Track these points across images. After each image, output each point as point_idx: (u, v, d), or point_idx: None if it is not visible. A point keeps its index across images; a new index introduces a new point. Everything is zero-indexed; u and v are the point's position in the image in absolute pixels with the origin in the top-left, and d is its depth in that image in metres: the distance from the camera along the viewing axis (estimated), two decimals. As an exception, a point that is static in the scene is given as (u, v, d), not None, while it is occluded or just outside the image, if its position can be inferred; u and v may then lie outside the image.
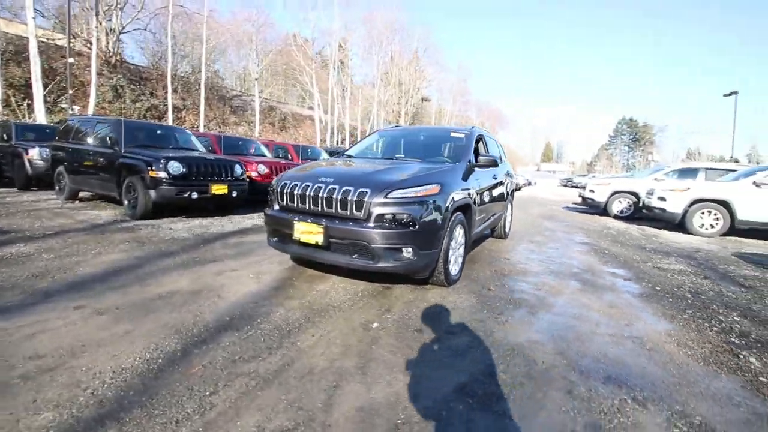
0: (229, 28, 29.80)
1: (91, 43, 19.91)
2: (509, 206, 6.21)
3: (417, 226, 3.00)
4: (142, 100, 23.32)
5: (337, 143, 34.09)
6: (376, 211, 2.99)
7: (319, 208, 3.18)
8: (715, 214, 7.87)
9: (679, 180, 9.80)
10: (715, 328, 3.00)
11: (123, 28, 24.34)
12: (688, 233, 8.00)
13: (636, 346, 2.64)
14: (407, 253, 3.02)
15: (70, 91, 16.68)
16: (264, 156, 9.52)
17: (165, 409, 1.75)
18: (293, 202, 3.33)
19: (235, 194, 6.63)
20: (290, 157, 11.09)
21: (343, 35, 35.20)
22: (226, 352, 2.26)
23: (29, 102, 16.90)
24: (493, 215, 5.01)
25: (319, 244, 3.10)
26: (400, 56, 41.37)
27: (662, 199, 8.47)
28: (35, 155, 8.30)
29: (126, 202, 6.08)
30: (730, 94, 26.81)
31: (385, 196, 3.00)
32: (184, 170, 5.93)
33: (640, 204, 10.02)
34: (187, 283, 3.34)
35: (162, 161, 5.76)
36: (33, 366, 2.03)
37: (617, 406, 1.94)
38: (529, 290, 3.72)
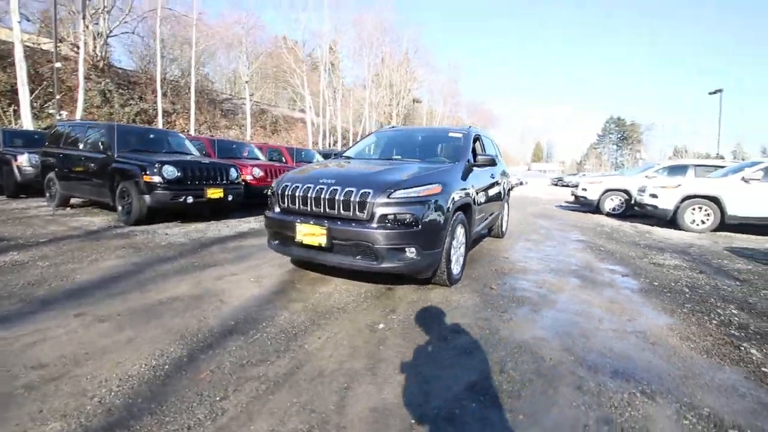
0: (219, 30, 29.57)
1: (78, 47, 19.65)
2: (506, 205, 6.25)
3: (420, 226, 3.00)
4: (131, 104, 23.04)
5: (330, 145, 34.01)
6: (379, 211, 2.98)
7: (321, 210, 3.17)
8: (705, 210, 8.00)
9: (669, 177, 9.94)
10: (714, 321, 3.05)
11: (110, 31, 24.05)
12: (680, 229, 8.12)
13: (640, 340, 2.67)
14: (410, 253, 3.02)
15: (58, 96, 16.48)
16: (258, 159, 9.47)
17: (176, 415, 1.72)
18: (294, 204, 3.31)
19: (230, 198, 6.57)
20: (284, 160, 11.04)
21: (334, 37, 35.18)
22: (233, 356, 2.24)
23: (15, 108, 16.60)
24: (491, 214, 5.04)
25: (322, 245, 3.09)
26: (391, 58, 41.47)
27: (654, 196, 8.59)
28: (24, 162, 8.15)
29: (120, 208, 6.00)
30: (715, 92, 27.35)
31: (388, 197, 3.00)
32: (179, 174, 5.86)
33: (632, 201, 10.15)
34: (188, 289, 3.30)
35: (156, 165, 5.69)
36: (36, 375, 1.99)
37: (627, 400, 1.96)
38: (531, 288, 3.74)
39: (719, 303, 3.48)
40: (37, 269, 3.66)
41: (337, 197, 3.09)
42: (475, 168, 4.17)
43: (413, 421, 1.74)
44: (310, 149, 15.17)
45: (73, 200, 7.59)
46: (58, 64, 16.61)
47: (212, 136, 22.46)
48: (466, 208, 3.77)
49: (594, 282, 4.04)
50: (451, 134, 4.77)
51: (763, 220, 7.62)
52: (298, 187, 3.30)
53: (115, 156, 6.10)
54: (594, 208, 11.18)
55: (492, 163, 4.29)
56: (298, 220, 3.22)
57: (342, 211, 3.08)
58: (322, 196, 3.14)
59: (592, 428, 1.74)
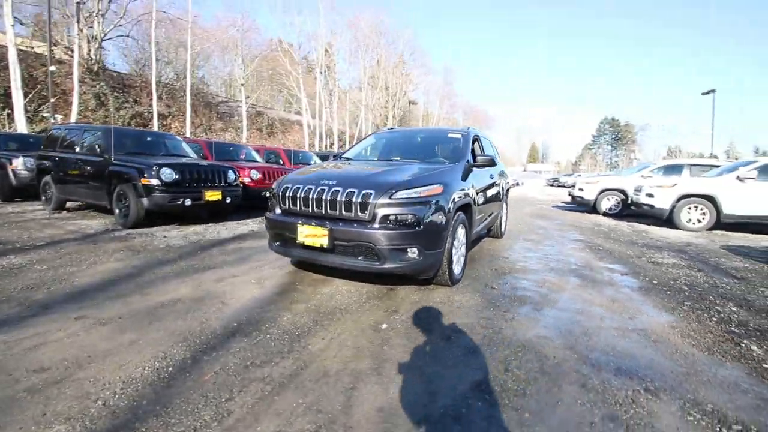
0: (214, 33, 29.52)
1: (72, 51, 19.56)
2: (504, 205, 6.26)
3: (422, 227, 3.00)
4: (126, 107, 22.93)
5: (326, 147, 34.00)
6: (381, 212, 2.99)
7: (323, 211, 3.16)
8: (701, 209, 8.06)
9: (665, 177, 10.02)
10: (714, 319, 3.07)
11: (105, 35, 23.90)
12: (676, 228, 8.18)
13: (641, 338, 2.69)
14: (413, 253, 3.02)
15: (52, 100, 16.34)
16: (256, 161, 9.45)
17: (181, 417, 1.71)
18: (296, 206, 3.31)
19: (229, 200, 6.55)
20: (282, 162, 11.02)
21: (329, 40, 35.16)
22: (237, 358, 2.23)
23: (9, 111, 16.47)
24: (490, 214, 5.05)
25: (324, 246, 3.09)
26: (387, 60, 41.56)
27: (650, 195, 8.65)
28: (20, 165, 8.09)
29: (117, 211, 5.96)
30: (708, 93, 27.62)
31: (390, 197, 3.00)
32: (177, 177, 5.84)
33: (629, 201, 10.21)
34: (189, 291, 3.28)
35: (154, 168, 5.67)
36: (38, 379, 1.97)
37: (631, 397, 1.97)
38: (531, 287, 3.75)
39: (718, 301, 3.50)
40: (36, 273, 3.63)
41: (338, 198, 3.08)
42: (474, 168, 4.18)
43: (420, 421, 1.74)
44: (307, 151, 15.14)
45: (69, 204, 7.54)
46: (52, 68, 16.47)
47: (208, 138, 22.40)
48: (466, 208, 3.78)
49: (594, 281, 4.06)
50: (450, 135, 4.78)
51: (758, 219, 7.69)
52: (299, 188, 3.30)
53: (112, 159, 6.06)
54: (591, 207, 11.24)
55: (491, 163, 4.31)
56: (300, 222, 3.21)
57: (344, 212, 3.08)
58: (324, 198, 3.14)
59: (598, 426, 1.74)
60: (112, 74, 25.47)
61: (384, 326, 2.72)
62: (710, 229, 8.03)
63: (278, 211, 3.48)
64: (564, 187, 34.69)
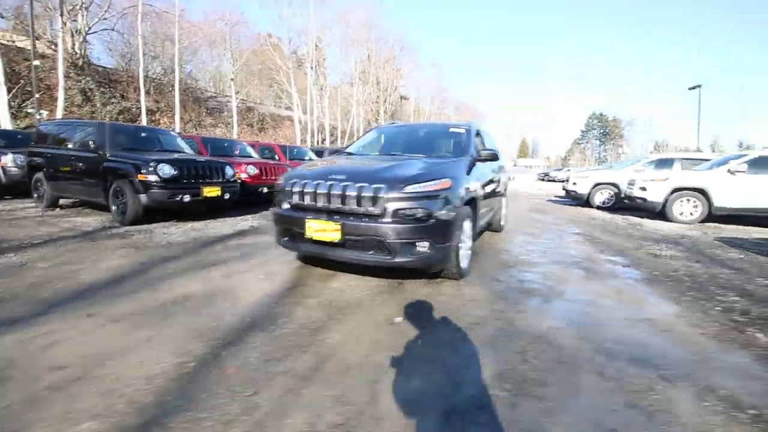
0: (202, 27, 29.01)
1: (55, 45, 19.08)
2: (504, 199, 6.32)
3: (433, 220, 3.02)
4: (112, 103, 22.50)
5: (318, 143, 33.78)
6: (393, 206, 2.99)
7: (333, 206, 3.15)
8: (693, 202, 8.22)
9: (657, 170, 10.18)
10: (718, 308, 3.15)
11: (89, 28, 23.36)
12: (669, 221, 8.33)
13: (651, 327, 2.75)
14: (423, 247, 3.04)
15: (37, 95, 15.94)
16: (251, 157, 9.36)
17: (210, 411, 1.71)
18: (304, 201, 3.29)
19: (227, 196, 6.49)
20: (277, 158, 10.93)
21: (319, 34, 34.80)
22: (257, 352, 2.22)
23: (-8, 107, 16.02)
24: (493, 208, 5.09)
25: (335, 241, 3.08)
26: (377, 54, 41.33)
27: (643, 189, 8.79)
28: (9, 162, 7.90)
29: (114, 208, 5.87)
30: (694, 88, 28.08)
31: (401, 191, 3.01)
32: (175, 173, 5.76)
33: (622, 195, 10.36)
34: (199, 287, 3.26)
35: (152, 164, 5.58)
36: (58, 377, 1.94)
37: (648, 385, 2.01)
38: (537, 280, 3.80)
39: (719, 291, 3.59)
40: (38, 271, 3.57)
41: (348, 193, 3.08)
42: (478, 163, 4.20)
43: (448, 411, 1.76)
44: (302, 147, 15.03)
45: (62, 201, 7.39)
46: (36, 62, 16.05)
47: (198, 134, 22.08)
48: (473, 201, 3.80)
49: (597, 273, 4.12)
50: (452, 129, 4.79)
51: (749, 212, 7.88)
52: (307, 183, 3.28)
53: (107, 155, 5.96)
54: (584, 201, 11.38)
55: (495, 157, 4.33)
56: (309, 217, 3.20)
57: (354, 207, 3.08)
58: (334, 192, 3.13)
59: (621, 413, 1.78)
60: (97, 69, 24.93)
61: (398, 319, 2.74)
62: (702, 222, 8.20)
63: (286, 206, 3.46)
64: (554, 181, 35.11)
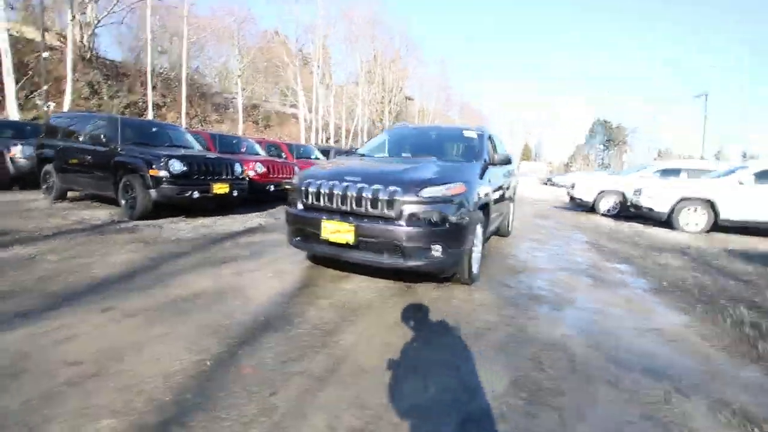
0: (210, 23, 29.07)
1: (64, 37, 19.13)
2: (512, 204, 6.32)
3: (447, 225, 3.03)
4: (119, 96, 22.57)
5: (322, 141, 33.79)
6: (408, 209, 3.00)
7: (348, 207, 3.16)
8: (700, 213, 8.21)
9: (662, 179, 10.17)
10: (728, 320, 3.14)
11: (98, 21, 23.44)
12: (674, 230, 8.31)
13: (662, 338, 2.74)
14: (437, 251, 3.04)
15: (45, 87, 16.02)
16: (258, 154, 9.37)
17: (229, 411, 1.72)
18: (319, 201, 3.30)
19: (236, 194, 6.50)
20: (284, 156, 10.95)
21: (325, 32, 34.74)
22: (272, 352, 2.23)
23: (0, 98, 16.08)
24: (503, 213, 5.09)
25: (349, 243, 3.09)
26: (383, 55, 41.27)
27: (650, 197, 8.77)
28: (18, 153, 7.92)
29: (123, 202, 5.88)
30: (699, 96, 28.06)
31: (417, 195, 3.01)
32: (185, 169, 5.77)
33: (627, 203, 10.34)
34: (210, 284, 3.27)
35: (163, 159, 5.60)
36: (74, 372, 1.95)
37: (663, 397, 2.01)
38: (546, 287, 3.80)
39: (729, 303, 3.58)
40: (48, 264, 3.58)
41: (364, 194, 3.08)
42: (490, 167, 4.21)
43: (465, 419, 1.76)
44: (308, 145, 15.04)
45: (70, 193, 7.41)
46: (45, 54, 16.12)
47: (203, 130, 22.13)
48: (485, 206, 3.81)
49: (605, 281, 4.12)
50: (465, 133, 4.79)
51: (755, 224, 7.86)
52: (322, 183, 3.29)
53: (119, 149, 5.98)
54: (589, 208, 11.37)
55: (508, 161, 4.34)
56: (324, 217, 3.21)
57: (370, 209, 3.08)
58: (349, 194, 3.14)
59: (638, 425, 1.79)
60: (105, 62, 25.00)
61: (411, 323, 2.74)
62: (707, 232, 8.18)
63: (300, 206, 3.46)
64: (557, 186, 35.02)
